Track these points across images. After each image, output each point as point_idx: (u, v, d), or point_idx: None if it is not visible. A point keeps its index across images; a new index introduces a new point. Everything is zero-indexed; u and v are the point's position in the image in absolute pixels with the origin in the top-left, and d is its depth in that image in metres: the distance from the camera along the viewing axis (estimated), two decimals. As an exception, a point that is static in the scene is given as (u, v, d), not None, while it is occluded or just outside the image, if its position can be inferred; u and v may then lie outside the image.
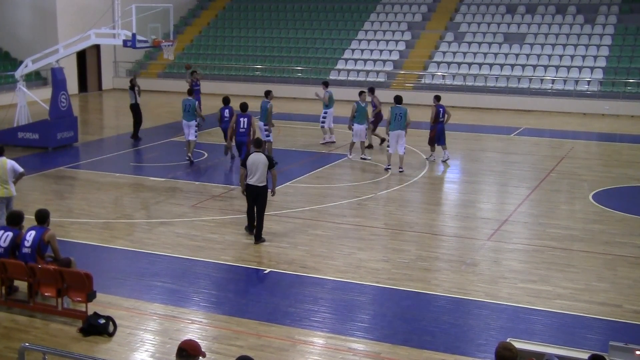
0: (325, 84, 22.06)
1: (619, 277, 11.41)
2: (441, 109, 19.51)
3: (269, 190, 12.92)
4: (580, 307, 10.25)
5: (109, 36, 22.14)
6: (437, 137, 19.52)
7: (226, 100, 19.38)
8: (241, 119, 17.41)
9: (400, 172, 18.04)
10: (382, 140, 20.99)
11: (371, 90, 21.02)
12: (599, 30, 32.21)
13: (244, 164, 12.69)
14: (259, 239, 12.87)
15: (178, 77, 35.31)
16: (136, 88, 22.21)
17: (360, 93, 20.01)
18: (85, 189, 16.77)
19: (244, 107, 17.55)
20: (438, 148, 19.64)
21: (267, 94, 19.42)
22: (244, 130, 17.35)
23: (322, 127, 21.62)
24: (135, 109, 22.31)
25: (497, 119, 27.48)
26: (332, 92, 21.86)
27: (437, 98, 19.81)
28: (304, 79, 33.49)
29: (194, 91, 21.20)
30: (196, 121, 19.17)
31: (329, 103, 21.49)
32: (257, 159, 12.57)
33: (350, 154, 19.92)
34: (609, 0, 33.66)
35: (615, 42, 31.29)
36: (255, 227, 12.92)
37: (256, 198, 12.74)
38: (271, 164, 12.66)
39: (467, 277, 11.36)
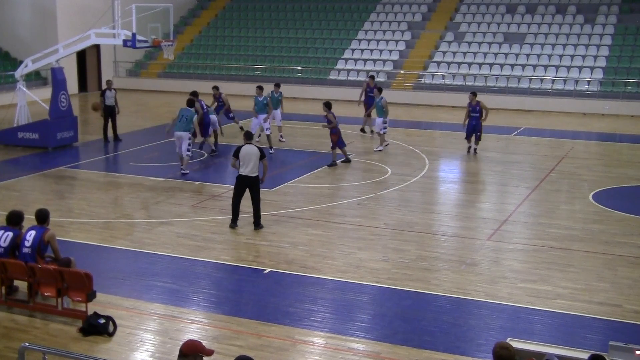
0: (260, 88, 21.01)
1: (619, 277, 11.41)
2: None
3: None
4: (580, 307, 10.25)
5: (109, 36, 22.13)
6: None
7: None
8: None
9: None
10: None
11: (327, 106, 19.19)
12: (599, 30, 32.20)
13: (236, 155, 13.31)
14: (258, 224, 13.53)
15: (178, 77, 35.37)
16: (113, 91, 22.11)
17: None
18: (85, 189, 16.77)
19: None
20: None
21: (381, 90, 21.33)
22: None
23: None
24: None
25: (497, 119, 27.44)
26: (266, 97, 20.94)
27: (474, 94, 21.16)
28: (304, 79, 33.49)
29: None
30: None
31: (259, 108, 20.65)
32: (249, 150, 13.24)
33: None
34: (609, 0, 33.66)
35: (615, 42, 31.29)
36: (253, 216, 13.57)
37: (250, 188, 13.37)
38: (262, 155, 13.29)
39: (467, 277, 11.36)
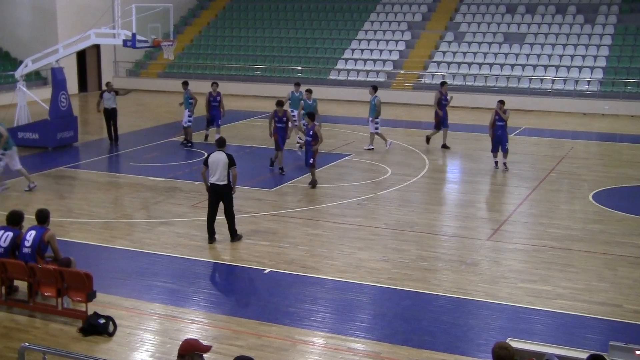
0: (186, 83, 21.62)
1: (619, 277, 11.41)
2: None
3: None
4: (580, 307, 10.26)
5: (109, 36, 22.13)
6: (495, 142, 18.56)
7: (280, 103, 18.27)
8: None
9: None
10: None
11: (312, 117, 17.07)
12: (599, 30, 32.21)
13: (205, 163, 12.79)
14: (234, 237, 12.90)
15: (178, 76, 35.33)
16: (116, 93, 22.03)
17: (307, 90, 20.14)
18: (85, 189, 16.77)
19: None
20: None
21: (375, 88, 20.84)
22: None
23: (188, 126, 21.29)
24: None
25: (497, 119, 27.41)
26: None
27: (503, 102, 18.84)
28: (304, 79, 33.43)
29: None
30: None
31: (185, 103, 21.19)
32: (217, 158, 12.63)
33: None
34: (609, 0, 33.67)
35: (615, 42, 31.29)
36: (228, 229, 12.88)
37: (220, 197, 12.73)
38: (232, 163, 12.63)
39: (467, 277, 11.36)
